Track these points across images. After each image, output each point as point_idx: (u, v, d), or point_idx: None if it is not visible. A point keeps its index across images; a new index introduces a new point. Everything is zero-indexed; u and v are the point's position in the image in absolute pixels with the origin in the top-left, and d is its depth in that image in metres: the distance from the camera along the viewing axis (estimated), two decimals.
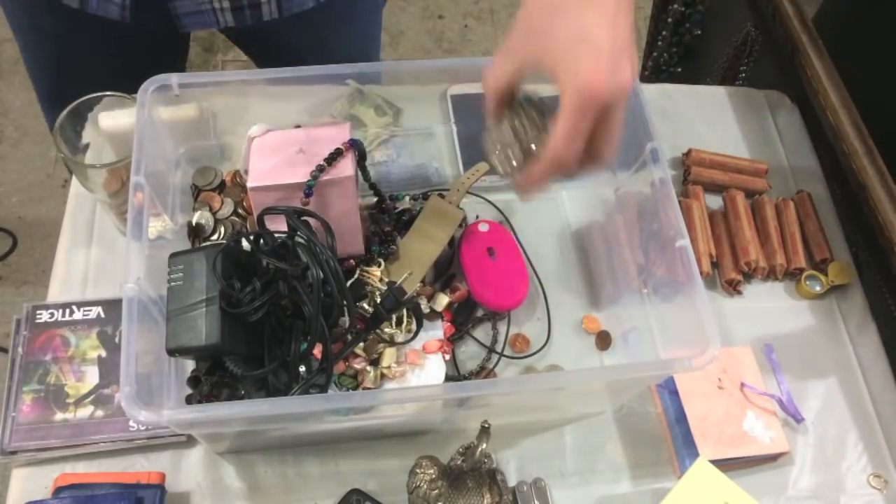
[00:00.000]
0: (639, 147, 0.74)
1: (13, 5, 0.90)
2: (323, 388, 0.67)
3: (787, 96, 1.06)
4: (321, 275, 0.65)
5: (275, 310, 0.67)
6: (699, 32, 1.33)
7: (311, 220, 0.69)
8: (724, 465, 0.74)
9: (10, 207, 1.79)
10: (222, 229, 0.81)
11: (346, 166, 0.73)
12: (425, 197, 0.85)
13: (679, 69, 1.41)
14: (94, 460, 0.74)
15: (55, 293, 0.82)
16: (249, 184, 0.73)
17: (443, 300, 0.80)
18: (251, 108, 0.78)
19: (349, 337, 0.72)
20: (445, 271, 0.84)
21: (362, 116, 0.86)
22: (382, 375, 0.74)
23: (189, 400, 0.67)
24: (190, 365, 0.69)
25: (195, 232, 0.80)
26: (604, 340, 0.84)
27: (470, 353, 0.82)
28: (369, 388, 0.73)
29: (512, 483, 0.75)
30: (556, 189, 0.92)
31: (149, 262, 0.64)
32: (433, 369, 0.75)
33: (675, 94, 1.05)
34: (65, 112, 0.76)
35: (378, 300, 0.73)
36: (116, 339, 0.78)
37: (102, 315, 0.79)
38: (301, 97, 0.79)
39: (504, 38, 0.61)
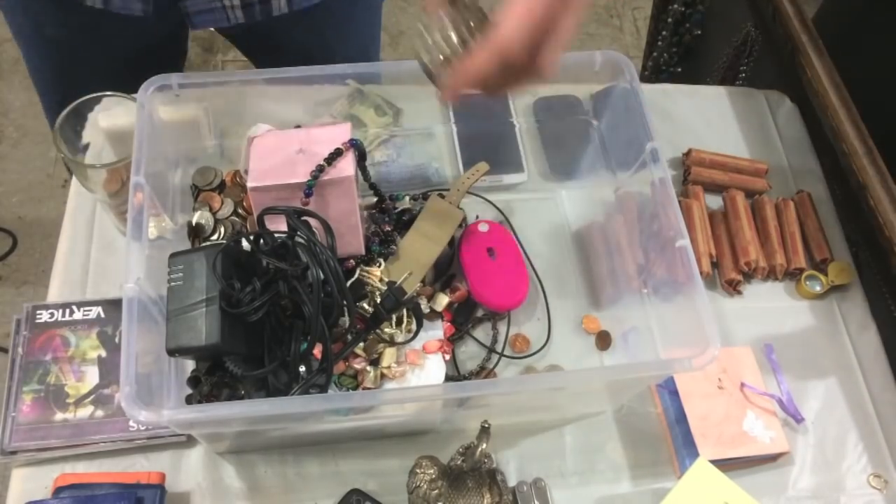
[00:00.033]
0: (639, 147, 0.74)
1: (17, 13, 0.90)
2: (323, 388, 0.67)
3: (787, 96, 1.06)
4: (321, 275, 0.65)
5: (275, 310, 0.67)
6: (699, 32, 1.33)
7: (311, 220, 0.69)
8: (724, 465, 0.74)
9: (10, 207, 1.79)
10: (222, 229, 0.81)
11: (346, 166, 0.73)
12: (425, 197, 0.85)
13: (679, 69, 1.41)
14: (94, 460, 0.74)
15: (55, 293, 0.82)
16: (249, 184, 0.73)
17: (443, 300, 0.80)
18: (251, 108, 0.79)
19: (349, 337, 0.72)
20: (445, 271, 0.84)
21: (362, 116, 0.86)
22: (382, 375, 0.74)
23: (189, 400, 0.67)
24: (190, 365, 0.69)
25: (195, 232, 0.80)
26: (604, 340, 0.84)
27: (470, 353, 0.82)
28: (369, 388, 0.73)
29: (512, 483, 0.75)
30: (557, 189, 0.93)
31: (149, 262, 0.64)
32: (433, 369, 0.75)
33: (675, 94, 1.05)
34: (65, 112, 0.77)
35: (378, 300, 0.73)
36: (116, 339, 0.78)
37: (102, 315, 0.79)
38: (301, 97, 0.79)
39: None
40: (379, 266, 0.77)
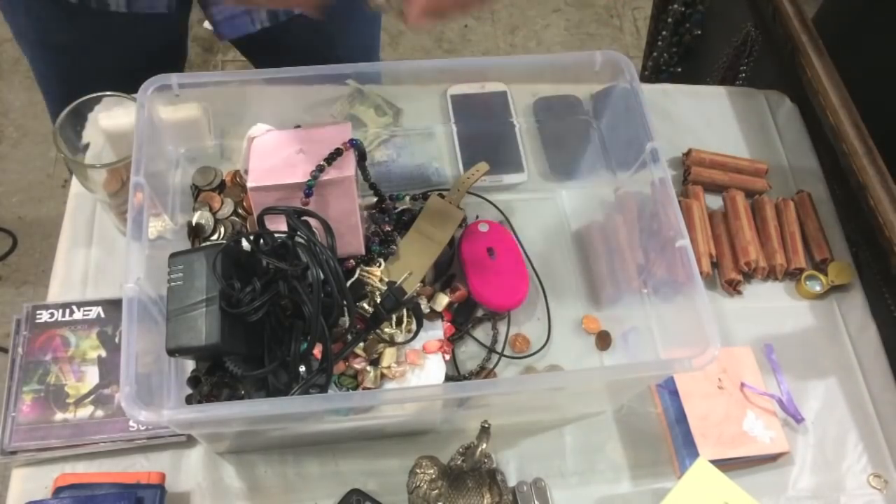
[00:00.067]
0: (639, 147, 0.74)
1: (21, 17, 0.90)
2: (323, 388, 0.67)
3: (787, 96, 1.05)
4: (321, 275, 0.65)
5: (275, 310, 0.67)
6: (699, 32, 1.33)
7: (311, 220, 0.69)
8: (724, 465, 0.74)
9: (10, 207, 1.79)
10: (222, 229, 0.81)
11: (346, 166, 0.73)
12: (425, 197, 0.85)
13: (679, 69, 1.41)
14: (94, 460, 0.74)
15: (55, 293, 0.82)
16: (249, 184, 0.73)
17: (443, 300, 0.80)
18: (251, 108, 0.78)
19: (349, 337, 0.72)
20: (445, 271, 0.84)
21: (362, 116, 0.86)
22: (382, 375, 0.74)
23: (189, 400, 0.67)
24: (190, 365, 0.69)
25: (195, 232, 0.80)
26: (604, 340, 0.84)
27: (470, 353, 0.82)
28: (369, 388, 0.73)
29: (512, 483, 0.75)
30: (557, 189, 0.93)
31: (149, 262, 0.64)
32: (433, 369, 0.75)
33: (675, 94, 1.05)
34: (65, 112, 0.77)
35: (378, 300, 0.73)
36: (116, 339, 0.78)
37: (102, 315, 0.79)
38: (301, 97, 0.79)
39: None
40: (379, 266, 0.77)
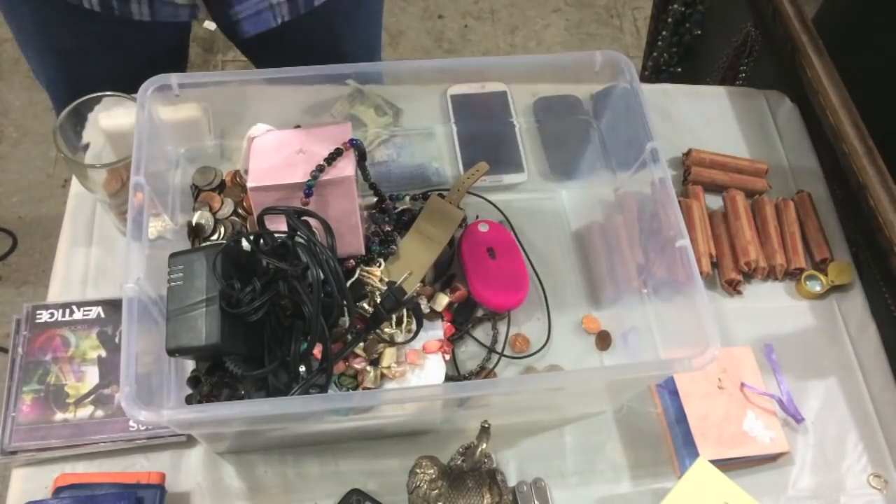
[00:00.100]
0: (639, 147, 0.74)
1: (30, 29, 0.90)
2: (323, 388, 0.67)
3: (787, 96, 1.06)
4: (321, 275, 0.65)
5: (275, 310, 0.67)
6: (699, 32, 1.33)
7: (311, 220, 0.69)
8: (724, 465, 0.74)
9: (10, 207, 1.79)
10: (222, 229, 0.81)
11: (346, 166, 0.73)
12: (425, 197, 0.85)
13: (679, 69, 1.41)
14: (94, 460, 0.74)
15: (55, 293, 0.82)
16: (249, 184, 0.73)
17: (443, 300, 0.80)
18: (251, 108, 0.78)
19: (349, 337, 0.72)
20: (445, 271, 0.84)
21: (362, 116, 0.86)
22: (382, 375, 0.74)
23: (189, 400, 0.67)
24: (190, 365, 0.69)
25: (195, 232, 0.80)
26: (604, 340, 0.84)
27: (470, 353, 0.82)
28: (369, 388, 0.73)
29: (512, 483, 0.75)
30: (557, 189, 0.93)
31: (149, 262, 0.64)
32: (433, 369, 0.75)
33: (675, 94, 1.05)
34: (65, 112, 0.77)
35: (378, 300, 0.73)
36: (116, 339, 0.78)
37: (102, 315, 0.79)
38: (301, 97, 0.79)
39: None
40: (379, 266, 0.77)
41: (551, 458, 0.78)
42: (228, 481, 0.74)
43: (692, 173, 0.95)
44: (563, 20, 2.20)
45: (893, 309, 0.87)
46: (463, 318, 0.82)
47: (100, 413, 0.74)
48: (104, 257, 0.84)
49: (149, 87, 0.70)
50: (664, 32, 1.38)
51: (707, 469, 0.72)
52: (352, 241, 0.76)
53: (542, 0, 2.23)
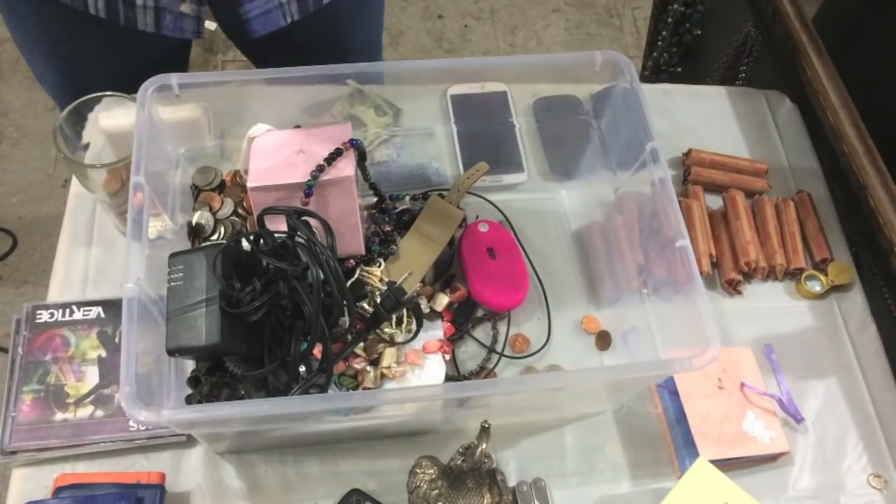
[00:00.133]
0: (639, 147, 0.74)
1: (34, 33, 0.90)
2: (323, 388, 0.67)
3: (787, 96, 1.06)
4: (321, 275, 0.65)
5: (275, 310, 0.67)
6: (699, 32, 1.33)
7: (311, 220, 0.69)
8: (724, 465, 0.74)
9: (10, 207, 1.79)
10: (222, 229, 0.81)
11: (346, 166, 0.73)
12: (425, 197, 0.85)
13: (679, 69, 1.41)
14: (94, 460, 0.74)
15: (55, 293, 0.82)
16: (249, 184, 0.73)
17: (443, 300, 0.80)
18: (251, 108, 0.78)
19: (349, 337, 0.72)
20: (445, 271, 0.84)
21: (362, 116, 0.86)
22: (382, 375, 0.74)
23: (189, 400, 0.67)
24: (190, 365, 0.69)
25: (195, 232, 0.80)
26: (604, 340, 0.84)
27: (470, 353, 0.82)
28: (369, 388, 0.73)
29: (512, 483, 0.75)
30: (557, 189, 0.93)
31: (149, 262, 0.64)
32: (433, 369, 0.75)
33: (675, 94, 1.05)
34: (65, 112, 0.77)
35: (378, 300, 0.73)
36: (116, 339, 0.78)
37: (102, 315, 0.79)
38: (301, 97, 0.79)
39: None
40: (379, 266, 0.77)
41: (551, 458, 0.78)
42: (228, 481, 0.74)
43: (692, 173, 0.95)
44: (563, 20, 2.20)
45: (893, 309, 0.87)
46: (463, 318, 0.82)
47: (100, 413, 0.74)
48: (104, 257, 0.84)
49: (149, 87, 0.70)
50: (664, 32, 1.38)
51: (707, 469, 0.72)
52: (352, 241, 0.76)
53: (542, 0, 2.23)
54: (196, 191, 0.83)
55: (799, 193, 0.95)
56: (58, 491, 0.68)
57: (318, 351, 0.67)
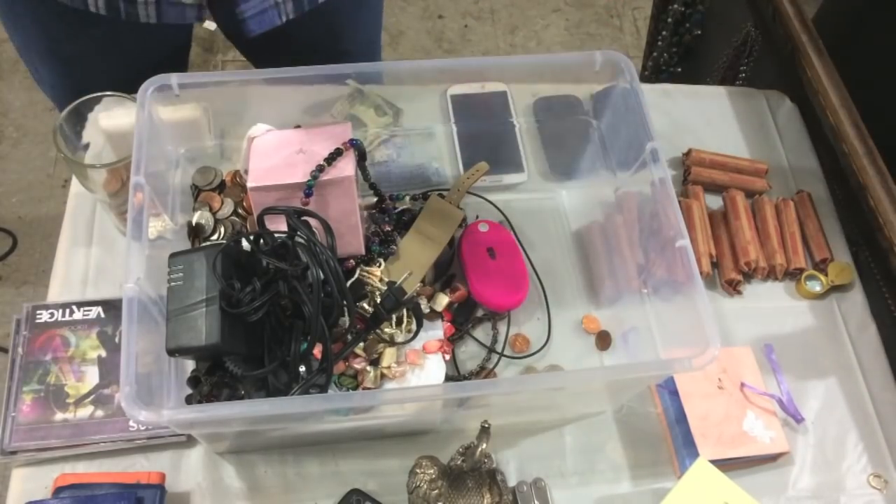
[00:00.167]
0: (639, 147, 0.74)
1: (31, 34, 0.90)
2: (323, 388, 0.67)
3: (787, 96, 1.06)
4: (321, 275, 0.65)
5: (275, 310, 0.67)
6: (699, 32, 1.33)
7: (311, 220, 0.69)
8: (724, 465, 0.74)
9: (10, 207, 1.79)
10: (222, 229, 0.81)
11: (346, 166, 0.73)
12: (425, 197, 0.85)
13: (679, 69, 1.41)
14: (94, 460, 0.74)
15: (55, 293, 0.82)
16: (249, 184, 0.73)
17: (443, 300, 0.80)
18: (251, 108, 0.78)
19: (349, 337, 0.72)
20: (445, 271, 0.84)
21: (362, 116, 0.86)
22: (382, 375, 0.74)
23: (189, 400, 0.67)
24: (190, 365, 0.69)
25: (195, 232, 0.80)
26: (604, 340, 0.84)
27: (470, 353, 0.82)
28: (369, 388, 0.73)
29: (512, 483, 0.75)
30: (557, 189, 0.93)
31: (149, 262, 0.64)
32: (433, 369, 0.75)
33: (675, 94, 1.05)
34: (65, 112, 0.76)
35: (378, 300, 0.73)
36: (116, 339, 0.78)
37: (102, 315, 0.79)
38: (301, 97, 0.79)
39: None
40: (379, 266, 0.77)
41: (551, 458, 0.78)
42: (228, 481, 0.74)
43: (692, 173, 0.95)
44: (563, 20, 2.20)
45: (893, 309, 0.87)
46: (463, 318, 0.82)
47: (100, 413, 0.74)
48: (104, 257, 0.84)
49: (149, 87, 0.70)
50: (664, 32, 1.38)
51: (707, 469, 0.72)
52: (352, 241, 0.76)
53: (542, 0, 2.23)
54: (196, 191, 0.83)
55: (799, 193, 0.95)
56: (58, 491, 0.68)
57: (318, 351, 0.67)
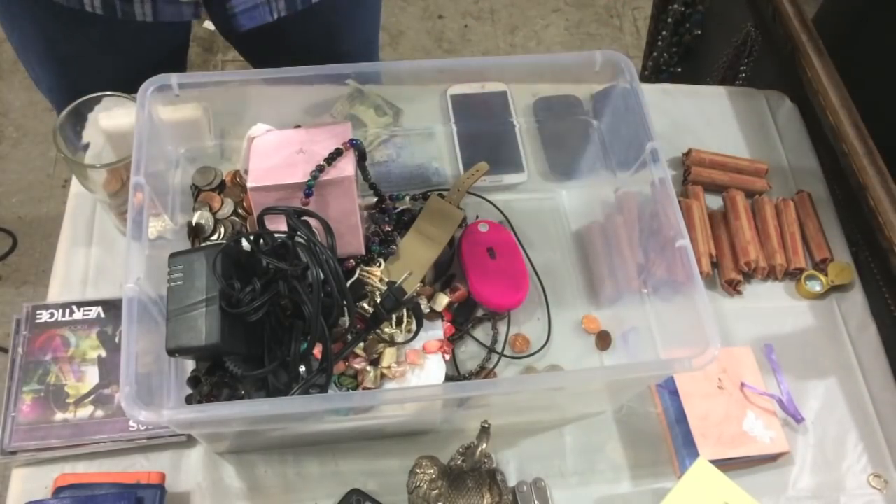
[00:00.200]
0: (639, 147, 0.74)
1: (29, 35, 0.90)
2: (323, 388, 0.67)
3: (787, 96, 1.06)
4: (321, 275, 0.65)
5: (275, 310, 0.67)
6: (699, 32, 1.33)
7: (311, 220, 0.69)
8: (724, 465, 0.74)
9: (10, 207, 1.79)
10: (222, 229, 0.81)
11: (346, 166, 0.73)
12: (425, 197, 0.85)
13: (679, 69, 1.41)
14: (94, 460, 0.74)
15: (55, 293, 0.82)
16: (249, 184, 0.73)
17: (443, 300, 0.80)
18: (251, 108, 0.78)
19: (349, 337, 0.72)
20: (445, 271, 0.84)
21: (362, 116, 0.86)
22: (382, 375, 0.74)
23: (189, 400, 0.67)
24: (190, 365, 0.69)
25: (195, 232, 0.80)
26: (604, 340, 0.84)
27: (470, 353, 0.82)
28: (369, 388, 0.73)
29: (512, 483, 0.75)
30: (557, 189, 0.93)
31: (149, 262, 0.64)
32: (433, 369, 0.75)
33: (675, 94, 1.05)
34: (65, 112, 0.76)
35: (378, 300, 0.73)
36: (116, 339, 0.78)
37: (102, 315, 0.79)
38: (301, 97, 0.79)
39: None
40: (379, 266, 0.77)
41: (551, 458, 0.78)
42: (228, 481, 0.74)
43: (692, 173, 0.95)
44: (563, 20, 2.20)
45: (893, 309, 0.87)
46: (463, 318, 0.82)
47: (100, 413, 0.74)
48: (104, 257, 0.84)
49: (149, 87, 0.70)
50: (664, 32, 1.38)
51: (707, 469, 0.72)
52: (352, 241, 0.76)
53: (542, 0, 2.23)
54: (196, 191, 0.83)
55: (799, 193, 0.95)
56: (58, 491, 0.68)
57: (318, 351, 0.67)
